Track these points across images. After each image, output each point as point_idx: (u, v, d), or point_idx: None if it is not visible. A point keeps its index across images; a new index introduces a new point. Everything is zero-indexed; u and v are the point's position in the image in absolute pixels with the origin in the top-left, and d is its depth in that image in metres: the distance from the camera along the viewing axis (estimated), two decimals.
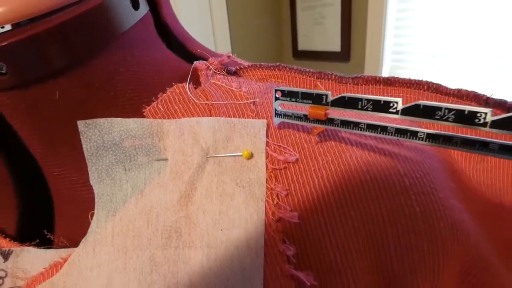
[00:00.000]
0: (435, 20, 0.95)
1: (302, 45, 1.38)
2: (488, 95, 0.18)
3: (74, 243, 0.16)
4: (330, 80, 0.20)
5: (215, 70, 0.19)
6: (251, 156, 0.15)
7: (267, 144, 0.16)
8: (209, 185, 0.15)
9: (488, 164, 0.19)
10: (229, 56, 0.21)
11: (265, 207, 0.14)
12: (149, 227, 0.15)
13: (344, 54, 1.22)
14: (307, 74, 0.21)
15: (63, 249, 0.16)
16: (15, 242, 0.17)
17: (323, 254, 0.14)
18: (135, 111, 0.16)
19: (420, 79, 0.20)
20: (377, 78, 0.20)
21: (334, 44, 1.25)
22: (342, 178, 0.15)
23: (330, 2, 1.21)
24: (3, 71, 0.14)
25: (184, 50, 0.21)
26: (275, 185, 0.15)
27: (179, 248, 0.14)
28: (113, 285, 0.14)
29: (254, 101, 0.17)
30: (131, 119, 0.16)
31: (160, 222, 0.15)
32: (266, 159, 0.15)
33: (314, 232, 0.14)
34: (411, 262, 0.14)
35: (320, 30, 1.28)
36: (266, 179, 0.15)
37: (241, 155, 0.15)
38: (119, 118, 0.16)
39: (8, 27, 0.14)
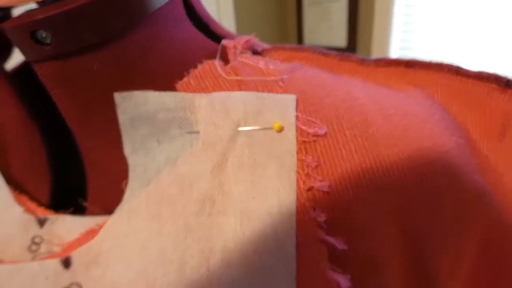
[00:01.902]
0: (443, 16, 0.95)
1: (307, 41, 1.39)
2: (509, 78, 0.19)
3: (108, 212, 0.16)
4: (352, 62, 0.21)
5: (242, 50, 0.20)
6: (281, 129, 0.16)
7: (297, 118, 0.16)
8: (240, 156, 0.16)
9: (506, 146, 0.19)
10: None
11: (296, 177, 0.15)
12: (183, 195, 0.15)
13: (350, 50, 1.22)
14: (329, 56, 0.21)
15: (97, 217, 0.16)
16: (50, 211, 0.17)
17: (352, 220, 0.14)
18: (168, 86, 0.17)
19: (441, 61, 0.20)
20: (399, 60, 0.20)
21: (340, 40, 1.25)
22: (369, 150, 0.15)
23: None
24: (47, 42, 0.14)
25: (208, 31, 0.22)
26: (305, 156, 0.15)
27: (212, 215, 0.15)
28: (148, 249, 0.15)
29: (282, 78, 0.18)
30: (164, 93, 0.16)
31: (194, 190, 0.15)
32: (296, 132, 0.16)
33: (343, 200, 0.15)
34: (435, 229, 0.14)
35: (326, 26, 1.28)
36: (297, 150, 0.15)
37: (271, 128, 0.16)
38: (154, 92, 0.16)
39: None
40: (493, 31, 0.87)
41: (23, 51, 0.15)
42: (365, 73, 0.21)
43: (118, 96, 0.16)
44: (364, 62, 0.21)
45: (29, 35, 0.14)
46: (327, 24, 1.27)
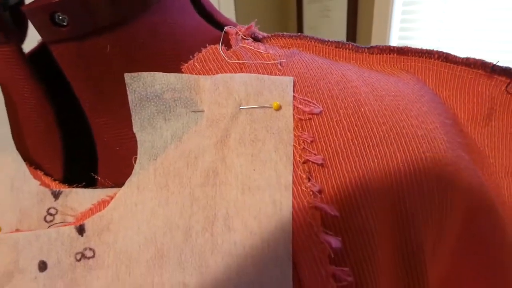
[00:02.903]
0: (441, 13, 0.96)
1: None
2: (495, 63, 0.20)
3: (118, 185, 0.17)
4: (347, 50, 0.22)
5: (244, 36, 0.21)
6: (279, 107, 0.17)
7: (294, 98, 0.17)
8: (242, 132, 0.17)
9: (492, 129, 0.21)
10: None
11: (293, 151, 0.16)
12: (188, 168, 0.17)
13: None
14: (326, 43, 0.22)
15: (108, 189, 0.18)
16: (64, 185, 0.19)
17: (345, 191, 0.15)
18: (174, 68, 0.18)
19: (431, 49, 0.21)
20: (391, 48, 0.22)
21: (340, 36, 1.26)
22: (361, 128, 0.16)
23: None
24: (64, 23, 0.15)
25: (212, 19, 0.23)
26: (301, 132, 0.17)
27: (216, 185, 0.16)
28: (156, 217, 0.16)
29: (280, 62, 0.19)
30: (171, 74, 0.18)
31: (199, 163, 0.17)
32: (293, 110, 0.17)
33: (336, 172, 0.16)
34: (421, 204, 0.16)
35: (327, 23, 1.29)
36: (293, 127, 0.17)
37: (271, 107, 0.17)
38: (161, 73, 0.17)
39: None
40: (490, 27, 0.88)
41: (41, 32, 0.16)
42: (359, 60, 0.22)
43: (128, 77, 0.17)
44: (358, 49, 0.22)
45: (49, 17, 0.15)
46: (327, 21, 1.28)
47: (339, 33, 1.26)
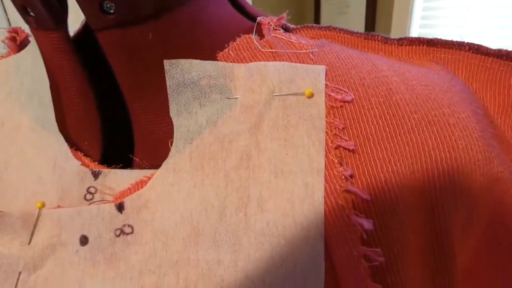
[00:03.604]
0: (464, 9, 0.94)
1: None
2: None
3: (155, 167, 0.18)
4: (376, 41, 0.22)
5: (275, 27, 0.21)
6: (312, 95, 0.18)
7: (326, 86, 0.18)
8: (275, 118, 0.17)
9: None
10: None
11: (325, 137, 0.17)
12: (223, 151, 0.17)
13: None
14: (355, 35, 0.23)
15: (146, 170, 0.19)
16: (103, 166, 0.20)
17: (375, 176, 0.16)
18: (210, 56, 0.19)
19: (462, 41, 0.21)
20: (421, 39, 0.22)
21: None
22: (392, 116, 0.17)
23: None
24: (111, 11, 0.16)
25: (244, 11, 0.23)
26: (333, 119, 0.17)
27: (249, 168, 0.17)
28: (192, 197, 0.17)
29: (312, 51, 0.19)
30: (207, 62, 0.18)
31: (233, 147, 0.17)
32: (325, 98, 0.17)
33: (368, 158, 0.16)
34: (452, 186, 0.16)
35: (344, 19, 1.28)
36: (326, 114, 0.17)
37: (303, 94, 0.18)
38: (198, 60, 0.18)
39: None
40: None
41: (90, 19, 0.17)
42: (388, 51, 0.22)
43: (167, 63, 0.18)
44: (387, 41, 0.22)
45: (98, 5, 0.16)
46: (345, 17, 1.27)
47: (357, 30, 1.24)
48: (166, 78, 0.18)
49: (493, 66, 0.20)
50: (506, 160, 0.17)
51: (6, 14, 0.86)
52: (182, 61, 0.18)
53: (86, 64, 0.20)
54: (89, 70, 0.20)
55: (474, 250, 0.19)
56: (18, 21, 0.22)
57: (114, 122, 0.21)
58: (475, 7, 0.92)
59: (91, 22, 0.17)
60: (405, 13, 1.07)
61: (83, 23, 0.21)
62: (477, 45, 0.21)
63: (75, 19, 0.20)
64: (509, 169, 0.17)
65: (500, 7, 0.87)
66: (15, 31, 0.23)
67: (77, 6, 0.16)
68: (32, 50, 0.20)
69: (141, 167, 0.19)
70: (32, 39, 0.21)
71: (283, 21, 0.22)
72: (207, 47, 0.19)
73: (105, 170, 0.19)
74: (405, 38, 0.22)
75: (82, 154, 0.20)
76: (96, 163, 0.20)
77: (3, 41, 0.22)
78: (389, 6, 1.12)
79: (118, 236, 0.17)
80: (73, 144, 0.20)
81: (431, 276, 0.16)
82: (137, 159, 0.20)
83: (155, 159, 0.19)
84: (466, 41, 0.21)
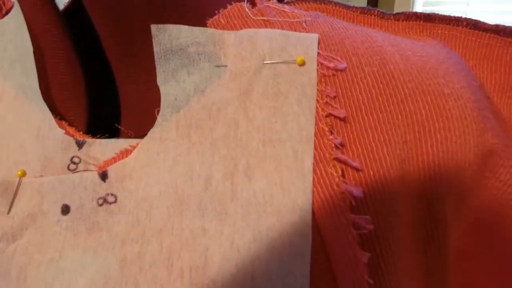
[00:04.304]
0: (468, 3, 0.94)
1: None
2: None
3: (141, 136, 0.18)
4: (373, 16, 0.22)
5: None
6: (303, 63, 0.17)
7: (318, 54, 0.17)
8: (265, 85, 0.17)
9: None
10: None
11: (316, 105, 0.16)
12: (210, 119, 0.17)
13: None
14: (351, 9, 0.22)
15: (131, 139, 0.18)
16: (88, 135, 0.19)
17: (366, 144, 0.15)
18: (200, 22, 0.18)
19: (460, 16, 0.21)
20: (418, 14, 0.21)
21: None
22: (386, 85, 0.16)
23: None
24: None
25: None
26: (324, 87, 0.16)
27: (237, 137, 0.16)
28: (178, 166, 0.16)
29: (305, 20, 0.19)
30: (196, 28, 0.18)
31: (221, 115, 0.17)
32: (317, 66, 0.17)
33: (359, 127, 0.16)
34: (444, 155, 0.15)
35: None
36: (317, 82, 0.17)
37: (294, 62, 0.17)
38: (186, 26, 0.18)
39: None
40: None
41: None
42: (384, 26, 0.22)
43: (154, 28, 0.17)
44: (384, 15, 0.22)
45: None
46: None
47: None
48: (153, 44, 0.17)
49: (490, 42, 0.20)
50: (499, 132, 0.17)
51: None
52: (170, 26, 0.17)
53: (74, 34, 0.19)
54: (77, 40, 0.20)
55: (467, 227, 0.18)
56: None
57: (100, 91, 0.21)
58: (475, 3, 0.91)
59: None
60: (406, 5, 1.06)
61: None
62: (475, 20, 0.20)
63: None
64: (504, 141, 0.17)
65: (500, 3, 0.87)
66: (1, 0, 0.23)
67: None
68: (16, 15, 0.20)
69: (127, 136, 0.19)
70: (16, 5, 0.20)
71: None
72: (196, 13, 0.18)
73: (90, 140, 0.19)
74: (402, 13, 0.21)
75: (67, 123, 0.20)
76: (81, 132, 0.19)
77: None
78: (390, 5, 1.12)
79: (100, 205, 0.17)
80: (58, 113, 0.20)
81: (422, 249, 0.16)
82: (123, 129, 0.20)
83: (142, 129, 0.18)
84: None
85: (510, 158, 0.17)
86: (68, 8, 0.21)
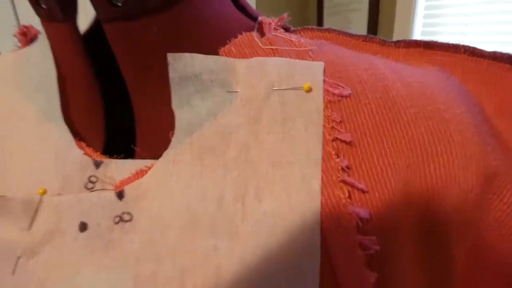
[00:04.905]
0: (464, 33, 0.96)
1: None
2: None
3: (155, 157, 0.19)
4: (375, 43, 0.23)
5: (276, 27, 0.22)
6: (310, 89, 0.18)
7: (324, 82, 0.18)
8: (274, 111, 0.18)
9: None
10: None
11: (322, 129, 0.17)
12: (223, 143, 0.18)
13: None
14: (353, 37, 0.23)
15: (146, 160, 0.19)
16: (105, 156, 0.20)
17: (371, 167, 0.16)
18: (213, 51, 0.19)
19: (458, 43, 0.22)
20: (418, 42, 0.22)
21: None
22: (389, 111, 0.17)
23: (357, 8, 1.24)
24: (119, 4, 0.17)
25: (246, 12, 0.24)
26: (330, 113, 0.17)
27: (247, 160, 0.17)
28: (191, 187, 0.17)
29: (311, 49, 0.20)
30: (210, 56, 0.19)
31: (232, 139, 0.18)
32: (323, 92, 0.18)
33: (364, 151, 0.17)
34: (447, 178, 0.16)
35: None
36: (323, 108, 0.18)
37: (302, 89, 0.18)
38: (201, 55, 0.19)
39: None
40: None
41: (98, 11, 0.17)
42: (385, 53, 0.23)
43: (170, 57, 0.18)
44: (385, 43, 0.23)
45: None
46: None
47: None
48: (169, 71, 0.19)
49: (489, 68, 0.21)
50: (501, 155, 0.18)
51: (16, 13, 0.89)
52: (185, 55, 0.19)
53: (94, 58, 0.21)
54: (97, 64, 0.21)
55: (469, 249, 0.19)
56: (27, 20, 0.23)
57: (117, 114, 0.22)
58: (476, 18, 0.93)
59: (99, 14, 0.18)
60: (406, 30, 1.09)
61: (94, 18, 0.22)
62: (472, 47, 0.21)
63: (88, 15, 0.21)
64: (505, 164, 0.17)
65: (501, 6, 0.89)
66: (26, 27, 0.24)
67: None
68: (42, 43, 0.21)
69: (142, 158, 0.19)
70: (42, 33, 0.22)
71: (284, 22, 0.23)
72: (209, 43, 0.20)
73: (107, 160, 0.20)
74: (402, 40, 0.23)
75: (85, 144, 0.21)
76: (98, 153, 0.20)
77: (14, 36, 0.23)
78: (390, 24, 1.15)
79: (117, 223, 0.17)
80: (77, 134, 0.21)
81: (427, 268, 0.16)
82: (139, 150, 0.21)
83: (156, 151, 0.19)
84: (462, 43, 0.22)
85: (510, 180, 0.17)
86: (89, 31, 0.22)
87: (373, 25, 1.20)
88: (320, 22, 1.40)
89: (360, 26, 1.24)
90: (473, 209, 0.16)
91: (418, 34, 1.09)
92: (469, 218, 0.16)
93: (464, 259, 0.18)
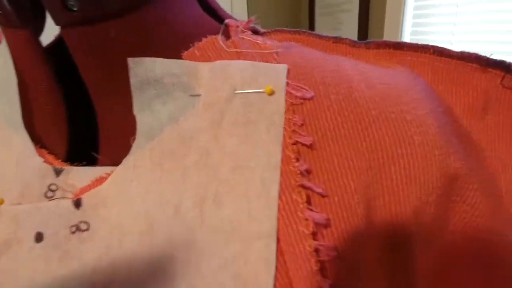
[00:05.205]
0: (453, 32, 0.96)
1: None
2: (489, 57, 0.20)
3: (117, 164, 0.18)
4: (345, 44, 0.23)
5: (243, 29, 0.22)
6: (272, 92, 0.18)
7: (287, 84, 0.18)
8: (236, 114, 0.17)
9: (488, 123, 0.21)
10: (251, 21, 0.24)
11: (283, 132, 0.17)
12: (183, 147, 0.17)
13: None
14: (324, 38, 0.23)
15: (107, 167, 0.18)
16: (66, 163, 0.20)
17: (331, 170, 0.16)
18: (175, 55, 0.19)
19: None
20: (387, 43, 0.22)
21: None
22: (351, 112, 0.17)
23: (347, 8, 1.24)
24: (74, 8, 0.17)
25: (215, 15, 0.24)
26: (292, 116, 0.17)
27: (208, 165, 0.17)
28: (150, 193, 0.17)
29: (277, 51, 0.20)
30: (171, 60, 0.18)
31: (193, 143, 0.17)
32: (285, 95, 0.18)
33: (324, 154, 0.16)
34: (408, 181, 0.16)
35: (338, 35, 1.30)
36: (285, 111, 0.17)
37: (264, 92, 0.18)
38: (162, 58, 0.18)
39: None
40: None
41: (53, 16, 0.17)
42: (356, 54, 0.22)
43: (130, 61, 0.18)
44: (355, 44, 0.23)
45: (60, 1, 0.16)
46: (338, 33, 1.30)
47: None
48: (130, 76, 0.18)
49: (457, 68, 0.21)
50: (464, 156, 0.17)
51: None
52: (146, 59, 0.18)
53: (58, 67, 0.20)
54: (60, 72, 0.20)
55: (439, 252, 0.18)
56: None
57: (81, 120, 0.21)
58: (465, 12, 0.94)
59: (54, 19, 0.17)
60: (395, 30, 1.10)
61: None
62: (441, 48, 0.21)
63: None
64: (468, 165, 0.17)
65: (489, 15, 0.89)
66: None
67: None
68: (2, 48, 0.21)
69: (104, 164, 0.19)
70: (3, 41, 0.21)
71: (252, 24, 0.22)
72: (172, 47, 0.19)
73: (68, 168, 0.19)
74: (372, 41, 0.22)
75: (47, 151, 0.20)
76: (60, 160, 0.20)
77: None
78: (380, 24, 1.15)
79: (73, 233, 0.17)
80: (38, 141, 0.20)
81: (388, 274, 0.16)
82: (101, 157, 0.20)
83: (119, 157, 0.19)
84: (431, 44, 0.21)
85: (475, 181, 0.17)
86: (53, 44, 0.22)
87: (363, 25, 1.20)
88: (311, 23, 1.40)
89: (351, 26, 1.24)
90: (434, 212, 0.16)
91: (408, 33, 1.09)
92: (431, 220, 0.16)
93: (436, 261, 0.17)
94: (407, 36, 1.09)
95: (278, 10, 1.40)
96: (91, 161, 0.20)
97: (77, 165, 0.19)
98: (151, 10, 0.18)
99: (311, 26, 1.41)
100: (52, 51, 0.21)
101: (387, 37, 1.13)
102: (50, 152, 0.20)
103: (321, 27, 1.37)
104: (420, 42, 0.22)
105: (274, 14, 1.38)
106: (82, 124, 0.21)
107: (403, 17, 1.08)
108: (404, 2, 1.06)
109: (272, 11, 1.37)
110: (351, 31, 1.24)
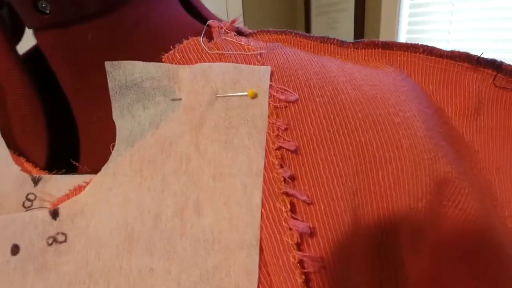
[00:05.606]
0: (449, 31, 0.96)
1: None
2: (479, 56, 0.20)
3: (96, 172, 0.18)
4: (333, 45, 0.22)
5: (227, 30, 0.21)
6: (255, 95, 0.17)
7: (270, 87, 0.17)
8: (217, 119, 0.17)
9: (481, 124, 0.20)
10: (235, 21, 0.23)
11: (266, 137, 0.16)
12: (163, 154, 0.17)
13: None
14: (311, 38, 0.22)
15: (86, 175, 0.18)
16: (45, 171, 0.19)
17: (317, 176, 0.15)
18: (155, 58, 0.18)
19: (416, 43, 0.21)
20: (376, 42, 0.21)
21: None
22: (336, 115, 0.16)
23: (343, 8, 1.24)
24: (47, 11, 0.16)
25: (200, 16, 0.23)
26: (276, 120, 0.16)
27: (188, 171, 0.16)
28: (129, 202, 0.16)
29: (260, 53, 0.19)
30: (151, 63, 0.18)
31: (173, 149, 0.17)
32: (268, 98, 0.17)
33: (310, 159, 0.16)
34: (396, 186, 0.15)
35: (334, 35, 1.30)
36: (268, 115, 0.17)
37: (246, 95, 0.17)
38: (141, 62, 0.18)
39: None
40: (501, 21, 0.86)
41: (24, 19, 0.16)
42: (344, 55, 0.22)
43: (108, 65, 0.17)
44: (343, 44, 0.22)
45: (32, 4, 0.16)
46: (334, 33, 1.29)
47: None
48: (108, 80, 0.17)
49: (448, 68, 0.20)
50: (454, 159, 0.17)
51: None
52: (124, 62, 0.18)
53: (36, 74, 0.20)
54: (39, 80, 0.20)
55: (431, 258, 0.18)
56: None
57: (61, 127, 0.21)
58: (460, 11, 0.93)
59: (26, 22, 0.16)
60: (391, 28, 1.09)
61: None
62: (431, 47, 0.20)
63: None
64: (459, 169, 0.16)
65: (485, 13, 0.89)
66: None
67: None
68: None
69: (84, 172, 0.18)
70: None
71: (237, 25, 0.22)
72: (152, 49, 0.19)
73: (46, 176, 0.18)
74: (360, 41, 0.22)
75: (25, 159, 0.19)
76: (38, 169, 0.19)
77: None
78: (376, 22, 1.15)
79: (50, 245, 0.16)
80: (17, 149, 0.20)
81: (377, 283, 0.15)
82: (79, 165, 0.19)
83: (98, 164, 0.18)
84: (420, 43, 0.21)
85: (466, 185, 0.16)
86: (34, 49, 0.21)
87: (359, 25, 1.20)
88: (307, 23, 1.40)
89: (346, 26, 1.23)
90: (424, 218, 0.15)
91: (404, 32, 1.09)
92: (421, 226, 0.15)
93: (429, 268, 0.17)
94: (403, 35, 1.08)
95: (274, 10, 1.40)
96: (72, 169, 0.19)
97: (56, 173, 0.19)
98: (129, 10, 0.18)
99: (307, 26, 1.40)
100: (32, 56, 0.20)
101: (383, 36, 1.13)
102: (28, 160, 0.19)
103: (317, 27, 1.37)
104: (416, 41, 0.21)
105: (269, 14, 1.38)
106: (64, 130, 0.21)
107: (399, 15, 1.07)
108: (400, 1, 1.05)
109: (267, 11, 1.37)
110: (347, 31, 1.24)
